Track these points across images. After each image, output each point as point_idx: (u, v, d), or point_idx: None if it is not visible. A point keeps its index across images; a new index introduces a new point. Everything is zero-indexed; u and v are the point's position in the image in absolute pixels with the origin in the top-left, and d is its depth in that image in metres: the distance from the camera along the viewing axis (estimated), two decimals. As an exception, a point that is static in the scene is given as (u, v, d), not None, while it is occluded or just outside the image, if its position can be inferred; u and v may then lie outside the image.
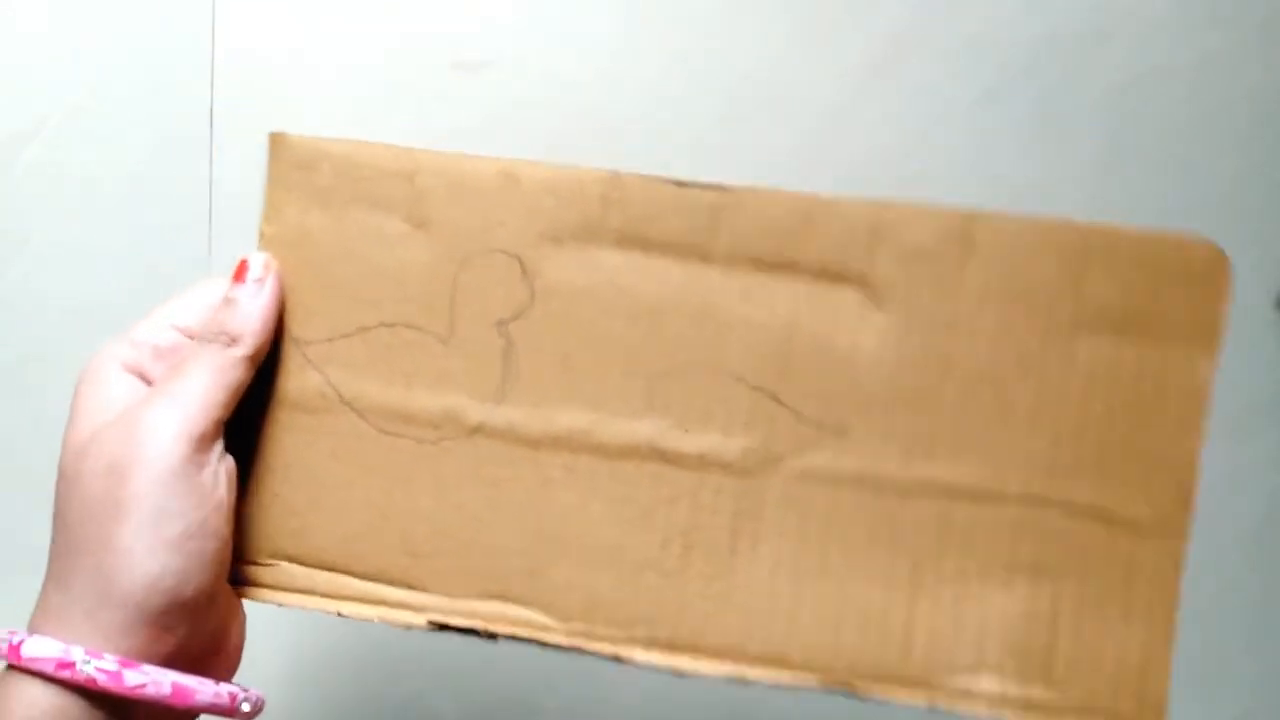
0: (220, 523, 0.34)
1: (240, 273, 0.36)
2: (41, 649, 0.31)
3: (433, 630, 0.38)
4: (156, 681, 0.31)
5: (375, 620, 0.38)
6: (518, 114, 0.59)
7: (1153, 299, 0.37)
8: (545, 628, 0.38)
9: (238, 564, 0.38)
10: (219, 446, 0.34)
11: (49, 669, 0.30)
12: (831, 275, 0.37)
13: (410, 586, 0.38)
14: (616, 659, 0.37)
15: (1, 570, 0.58)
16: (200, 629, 0.34)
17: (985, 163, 0.61)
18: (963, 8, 0.61)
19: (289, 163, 0.38)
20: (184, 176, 0.58)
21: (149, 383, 0.35)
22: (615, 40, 0.60)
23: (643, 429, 0.38)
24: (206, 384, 0.34)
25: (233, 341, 0.35)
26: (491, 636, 0.38)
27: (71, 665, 0.30)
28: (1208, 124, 0.62)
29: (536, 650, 0.37)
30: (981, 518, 0.37)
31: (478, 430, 0.38)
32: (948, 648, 0.37)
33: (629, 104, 0.60)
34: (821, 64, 0.60)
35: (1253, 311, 0.62)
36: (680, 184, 0.38)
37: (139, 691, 0.31)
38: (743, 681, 0.37)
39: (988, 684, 0.37)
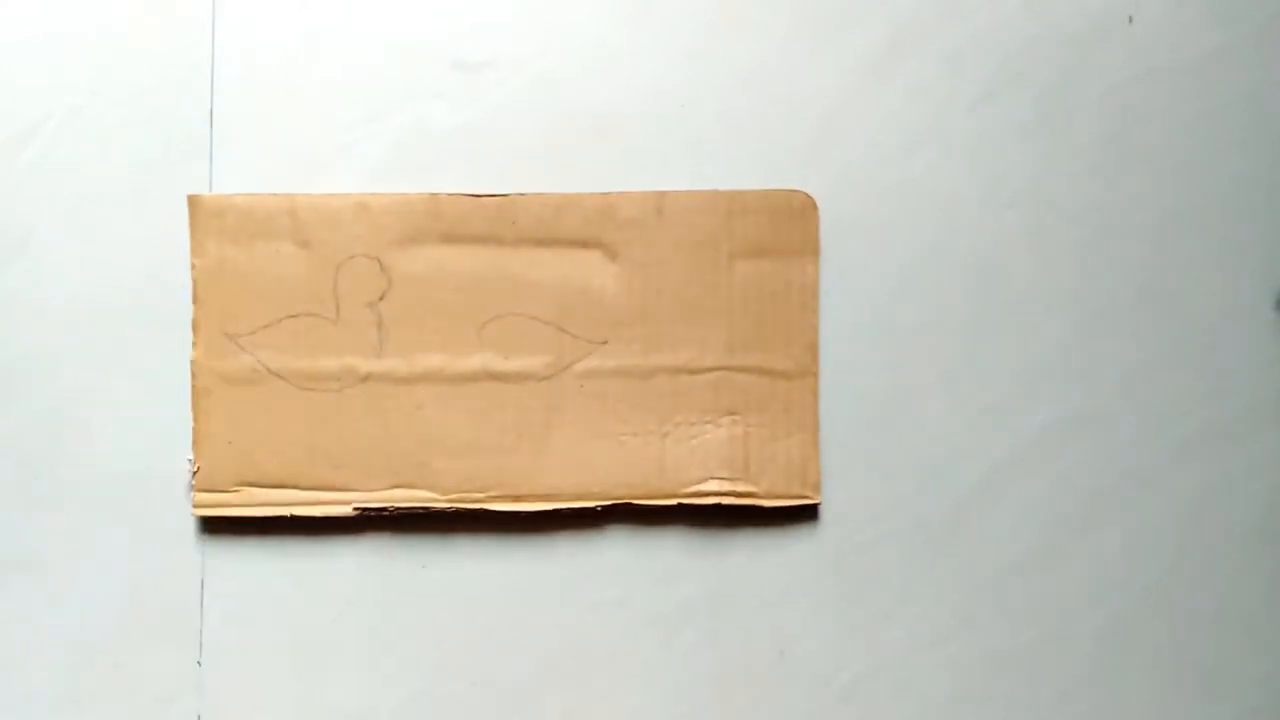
0: None
1: None
2: None
3: (357, 514, 0.55)
4: None
5: (317, 514, 0.55)
6: (517, 113, 0.59)
7: (775, 232, 0.59)
8: (434, 500, 0.56)
9: (214, 493, 0.55)
10: None
11: None
12: (581, 243, 0.57)
13: (338, 489, 0.55)
14: (486, 511, 0.56)
15: (1, 568, 0.58)
16: None
17: (984, 162, 0.61)
18: (962, 9, 0.61)
19: (204, 214, 0.56)
20: (184, 176, 0.58)
21: None
22: (614, 40, 0.60)
23: (478, 360, 0.56)
24: None
25: None
26: (397, 512, 0.56)
27: None
28: (1207, 124, 0.62)
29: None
30: (694, 384, 0.58)
31: (368, 378, 0.56)
32: (685, 468, 0.58)
33: (628, 103, 0.60)
34: (821, 64, 0.60)
35: (1253, 313, 0.62)
36: (476, 195, 0.56)
37: None
38: (562, 510, 0.56)
39: (713, 485, 0.58)
